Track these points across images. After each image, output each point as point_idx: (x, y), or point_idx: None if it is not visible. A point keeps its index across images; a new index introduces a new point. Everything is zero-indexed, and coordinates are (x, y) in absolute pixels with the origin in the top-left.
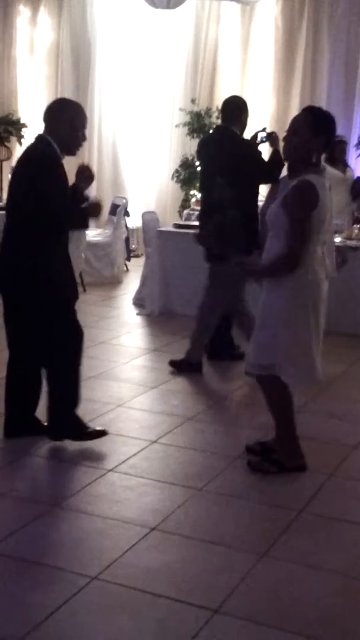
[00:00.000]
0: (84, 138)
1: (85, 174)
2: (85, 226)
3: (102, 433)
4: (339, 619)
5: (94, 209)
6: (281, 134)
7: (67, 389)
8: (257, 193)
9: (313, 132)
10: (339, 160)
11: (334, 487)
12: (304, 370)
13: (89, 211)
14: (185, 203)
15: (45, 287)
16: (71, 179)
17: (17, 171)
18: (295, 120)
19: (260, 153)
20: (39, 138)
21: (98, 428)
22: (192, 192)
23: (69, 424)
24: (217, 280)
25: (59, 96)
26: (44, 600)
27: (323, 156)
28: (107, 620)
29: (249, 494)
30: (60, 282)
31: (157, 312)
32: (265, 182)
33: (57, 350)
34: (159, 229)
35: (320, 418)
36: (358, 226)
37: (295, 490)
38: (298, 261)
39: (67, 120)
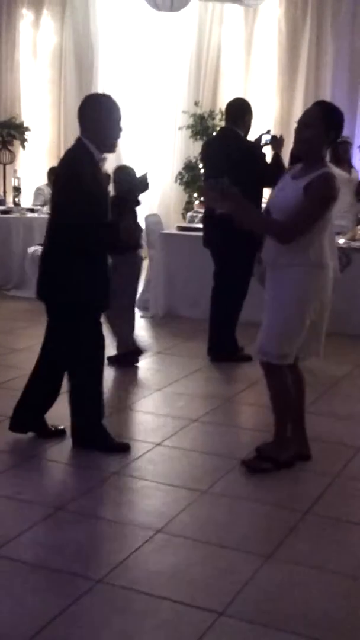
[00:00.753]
0: (118, 130)
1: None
2: (117, 246)
3: (126, 447)
4: (345, 621)
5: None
6: (285, 136)
7: (87, 398)
8: (260, 196)
9: (325, 125)
10: (344, 161)
11: (339, 488)
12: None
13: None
14: (188, 205)
15: (72, 295)
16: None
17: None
18: (308, 113)
19: (263, 155)
20: (76, 140)
21: (122, 442)
22: (195, 195)
23: (92, 434)
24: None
25: (62, 100)
26: (48, 604)
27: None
28: (111, 623)
29: (254, 496)
30: (89, 292)
31: (161, 314)
32: (266, 186)
33: (77, 360)
34: (162, 231)
35: (325, 419)
36: None
37: (300, 492)
38: (292, 239)
39: (94, 115)
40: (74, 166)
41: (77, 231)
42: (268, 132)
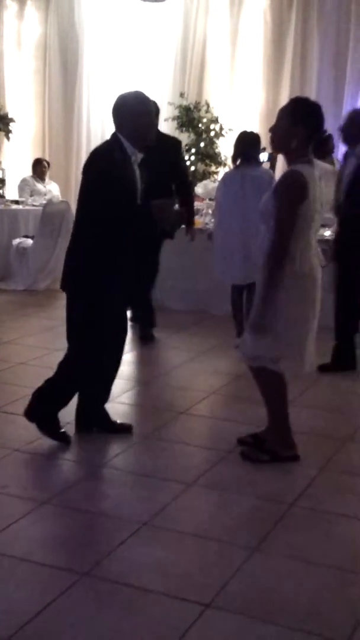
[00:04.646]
0: (153, 129)
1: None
2: (148, 230)
3: (128, 427)
4: (331, 613)
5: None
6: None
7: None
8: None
9: (291, 120)
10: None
11: (325, 480)
12: (297, 362)
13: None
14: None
15: (96, 289)
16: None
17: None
18: (279, 110)
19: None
20: (111, 135)
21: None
22: None
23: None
24: None
25: (46, 91)
26: (33, 598)
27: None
28: (98, 617)
29: (240, 488)
30: (109, 286)
31: None
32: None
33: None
34: None
35: (311, 411)
36: None
37: (286, 484)
38: (285, 253)
39: (127, 113)
40: (102, 160)
41: (103, 225)
42: (264, 149)
